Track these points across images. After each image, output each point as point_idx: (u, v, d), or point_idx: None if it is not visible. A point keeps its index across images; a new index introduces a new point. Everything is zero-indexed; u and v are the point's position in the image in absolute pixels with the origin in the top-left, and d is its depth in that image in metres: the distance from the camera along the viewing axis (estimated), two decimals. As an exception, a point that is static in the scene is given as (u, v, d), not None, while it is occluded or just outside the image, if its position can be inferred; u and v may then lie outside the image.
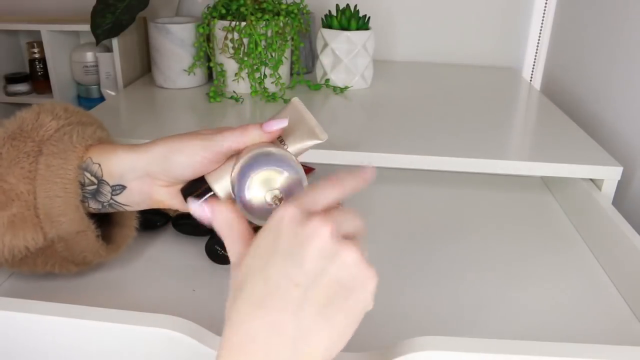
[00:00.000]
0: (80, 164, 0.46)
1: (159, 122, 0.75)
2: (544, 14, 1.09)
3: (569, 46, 1.00)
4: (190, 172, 0.45)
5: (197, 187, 0.46)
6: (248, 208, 0.41)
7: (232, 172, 0.42)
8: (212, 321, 0.46)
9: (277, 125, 0.43)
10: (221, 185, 0.45)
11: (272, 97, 0.85)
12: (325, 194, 0.35)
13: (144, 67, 1.06)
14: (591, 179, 0.68)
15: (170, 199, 0.48)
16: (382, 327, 0.51)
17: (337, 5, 0.92)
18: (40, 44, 1.06)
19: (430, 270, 0.60)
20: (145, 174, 0.46)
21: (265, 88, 0.85)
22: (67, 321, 0.42)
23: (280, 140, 0.45)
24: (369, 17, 0.93)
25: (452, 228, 0.69)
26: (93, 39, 0.92)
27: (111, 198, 0.48)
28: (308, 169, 0.85)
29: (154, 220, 0.66)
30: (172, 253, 0.62)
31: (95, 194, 0.47)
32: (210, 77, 0.99)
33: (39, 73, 1.11)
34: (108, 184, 0.47)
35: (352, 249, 0.33)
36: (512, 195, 0.78)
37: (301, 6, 0.89)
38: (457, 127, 0.76)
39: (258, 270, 0.33)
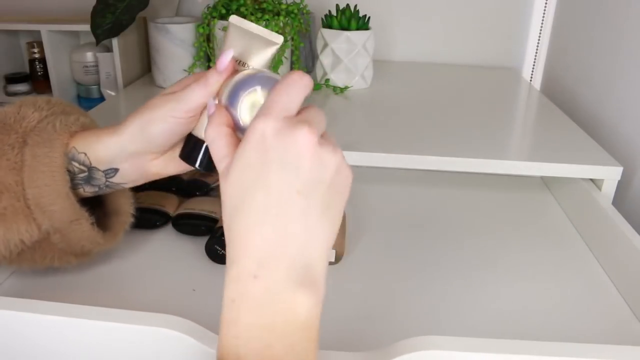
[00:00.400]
0: (65, 151, 0.45)
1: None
2: (544, 14, 1.09)
3: (569, 46, 1.00)
4: (170, 137, 0.45)
5: (187, 147, 0.46)
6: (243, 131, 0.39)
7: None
8: (212, 320, 0.46)
9: (226, 58, 0.42)
10: None
11: (272, 97, 0.85)
12: (293, 97, 0.35)
13: (144, 67, 1.06)
14: (591, 179, 0.68)
15: (164, 169, 0.48)
16: (382, 326, 0.51)
17: (337, 5, 0.92)
18: (40, 44, 1.06)
19: (430, 270, 0.60)
20: (132, 154, 0.46)
21: (265, 88, 0.85)
22: (67, 320, 0.42)
23: (242, 64, 0.44)
24: (369, 17, 0.93)
25: (452, 228, 0.69)
26: (93, 39, 0.92)
27: (106, 181, 0.47)
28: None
29: (153, 220, 0.66)
30: (172, 253, 0.62)
31: (89, 179, 0.47)
32: (210, 77, 0.98)
33: (39, 73, 1.11)
34: (99, 170, 0.47)
35: (337, 151, 0.35)
36: (512, 195, 0.78)
37: (301, 6, 0.89)
38: (457, 127, 0.76)
39: (253, 182, 0.33)
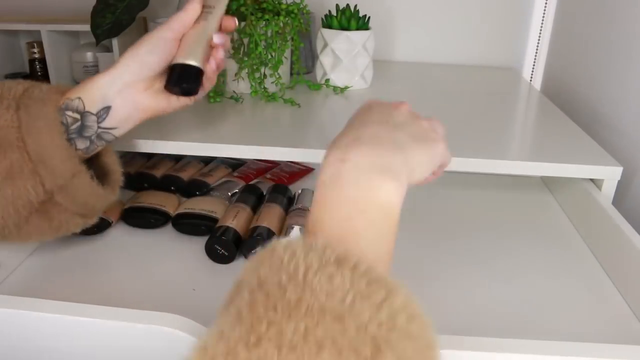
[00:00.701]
0: (58, 105, 0.49)
1: (159, 121, 0.75)
2: (544, 14, 1.09)
3: (569, 46, 1.01)
4: (158, 64, 0.52)
5: (172, 75, 0.53)
6: None
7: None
8: (212, 320, 0.46)
9: None
10: (192, 56, 0.53)
11: (272, 97, 0.85)
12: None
13: (144, 67, 1.06)
14: (591, 179, 0.68)
15: (155, 101, 0.53)
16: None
17: (337, 5, 0.92)
18: (40, 44, 1.06)
19: (430, 269, 0.60)
20: (124, 86, 0.51)
21: (265, 88, 0.85)
22: (68, 319, 0.42)
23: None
24: (369, 17, 0.93)
25: (452, 228, 0.69)
26: (93, 39, 0.92)
27: (98, 127, 0.51)
28: (307, 169, 0.85)
29: (153, 220, 0.66)
30: (172, 252, 0.62)
31: (81, 129, 0.50)
32: (210, 77, 0.98)
33: (39, 73, 1.10)
34: (92, 113, 0.50)
35: (425, 119, 0.46)
36: (512, 195, 0.78)
37: (301, 6, 0.89)
38: (457, 127, 0.76)
39: (354, 127, 0.41)
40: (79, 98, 0.49)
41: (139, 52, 0.52)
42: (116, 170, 0.56)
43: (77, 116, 0.50)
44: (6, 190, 0.47)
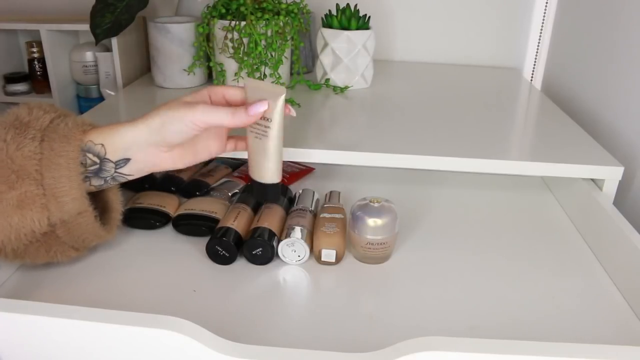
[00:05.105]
0: (80, 145, 0.50)
1: (159, 122, 0.75)
2: (544, 13, 1.09)
3: (570, 46, 1.00)
4: (184, 137, 0.52)
5: (257, 191, 0.58)
6: None
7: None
8: (212, 321, 0.46)
9: (261, 108, 0.52)
10: (272, 174, 0.57)
11: (272, 97, 0.85)
12: None
13: (143, 67, 1.06)
14: (592, 179, 0.68)
15: (173, 163, 0.55)
16: (381, 327, 0.51)
17: (337, 5, 0.92)
18: (39, 44, 1.06)
19: (430, 270, 0.60)
20: (148, 145, 0.52)
21: (265, 88, 0.85)
22: (66, 322, 0.42)
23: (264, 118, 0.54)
24: (369, 17, 0.93)
25: (452, 228, 0.68)
26: (92, 39, 0.92)
27: (115, 172, 0.52)
28: (307, 169, 0.85)
29: (154, 221, 0.66)
30: (172, 253, 0.62)
31: (98, 171, 0.52)
32: (210, 76, 0.98)
33: (38, 73, 1.10)
34: (111, 161, 0.52)
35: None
36: (512, 195, 0.78)
37: (301, 6, 0.89)
38: (457, 127, 0.76)
39: None
40: (102, 145, 0.51)
41: (167, 127, 0.51)
42: (117, 209, 0.57)
43: (97, 160, 0.51)
44: (13, 218, 0.48)
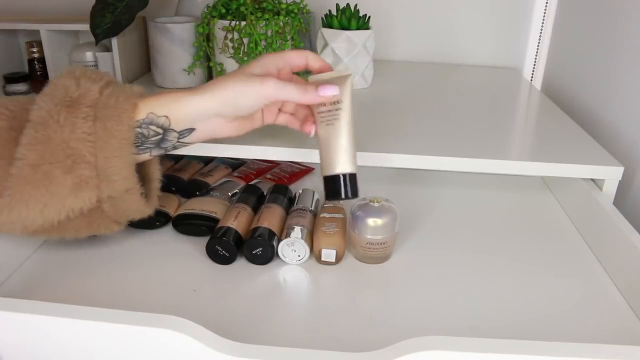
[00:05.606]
0: (131, 123, 0.49)
1: (159, 121, 0.75)
2: (544, 13, 1.09)
3: (570, 46, 1.00)
4: (253, 110, 0.52)
5: (330, 187, 0.53)
6: None
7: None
8: (213, 321, 0.46)
9: (332, 90, 0.52)
10: (347, 164, 0.53)
11: (272, 97, 0.85)
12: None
13: (143, 67, 1.06)
14: (592, 179, 0.68)
15: (233, 131, 0.54)
16: (382, 327, 0.51)
17: (337, 5, 0.92)
18: (39, 44, 1.06)
19: (430, 270, 0.60)
20: (216, 116, 0.51)
21: (265, 88, 0.85)
22: (67, 321, 0.42)
23: (335, 101, 0.53)
24: (369, 17, 0.93)
25: (452, 228, 0.68)
26: (92, 39, 0.92)
27: (177, 141, 0.52)
28: (307, 169, 0.85)
29: (153, 221, 0.66)
30: (172, 253, 0.62)
31: (160, 142, 0.51)
32: (210, 76, 0.98)
33: (38, 73, 1.10)
34: (175, 131, 0.51)
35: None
36: (512, 195, 0.78)
37: (301, 6, 0.89)
38: (457, 127, 0.76)
39: None
40: (166, 117, 0.50)
41: (239, 100, 0.51)
42: (156, 178, 0.57)
43: (160, 131, 0.51)
44: (67, 200, 0.48)
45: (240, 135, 0.55)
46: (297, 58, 0.55)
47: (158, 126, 0.50)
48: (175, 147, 0.53)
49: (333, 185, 0.52)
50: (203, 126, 0.52)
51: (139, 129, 0.49)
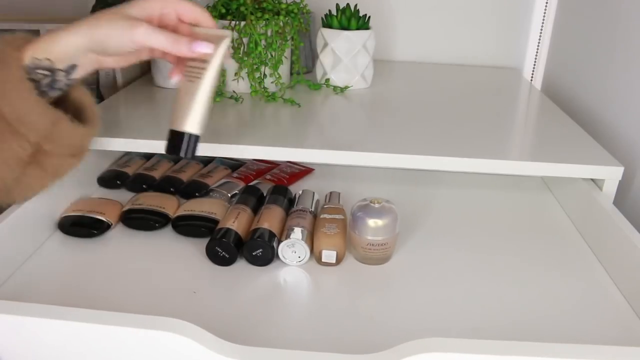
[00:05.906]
0: (20, 64, 0.49)
1: (159, 121, 0.75)
2: (544, 13, 1.09)
3: (570, 46, 1.00)
4: (123, 52, 0.53)
5: (171, 141, 0.53)
6: None
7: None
8: (213, 322, 0.46)
9: (205, 48, 0.52)
10: (193, 123, 0.53)
11: (272, 97, 0.84)
12: None
13: (143, 67, 1.06)
14: (592, 179, 0.68)
15: (115, 63, 0.56)
16: (382, 329, 0.51)
17: (337, 5, 0.92)
18: (39, 44, 1.06)
19: (430, 270, 0.60)
20: (90, 51, 0.53)
21: (265, 88, 0.85)
22: (67, 324, 0.42)
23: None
24: (369, 17, 0.92)
25: (451, 228, 0.68)
26: (92, 39, 0.92)
27: (67, 79, 0.53)
28: (307, 169, 0.85)
29: (153, 222, 0.66)
30: (172, 255, 0.62)
31: (52, 83, 0.52)
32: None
33: (38, 73, 1.10)
34: (60, 70, 0.52)
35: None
36: (512, 195, 0.78)
37: (301, 5, 0.89)
38: (457, 127, 0.76)
39: None
40: (48, 59, 0.51)
41: (109, 43, 0.52)
42: (89, 103, 0.58)
43: (48, 73, 0.51)
44: None
45: (125, 66, 0.57)
46: (188, 11, 0.55)
47: (44, 68, 0.51)
48: (69, 85, 0.54)
49: (176, 141, 0.53)
50: (83, 60, 0.53)
51: (28, 76, 0.50)
